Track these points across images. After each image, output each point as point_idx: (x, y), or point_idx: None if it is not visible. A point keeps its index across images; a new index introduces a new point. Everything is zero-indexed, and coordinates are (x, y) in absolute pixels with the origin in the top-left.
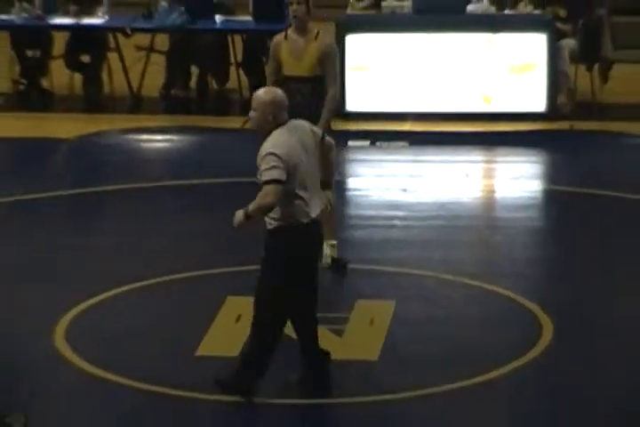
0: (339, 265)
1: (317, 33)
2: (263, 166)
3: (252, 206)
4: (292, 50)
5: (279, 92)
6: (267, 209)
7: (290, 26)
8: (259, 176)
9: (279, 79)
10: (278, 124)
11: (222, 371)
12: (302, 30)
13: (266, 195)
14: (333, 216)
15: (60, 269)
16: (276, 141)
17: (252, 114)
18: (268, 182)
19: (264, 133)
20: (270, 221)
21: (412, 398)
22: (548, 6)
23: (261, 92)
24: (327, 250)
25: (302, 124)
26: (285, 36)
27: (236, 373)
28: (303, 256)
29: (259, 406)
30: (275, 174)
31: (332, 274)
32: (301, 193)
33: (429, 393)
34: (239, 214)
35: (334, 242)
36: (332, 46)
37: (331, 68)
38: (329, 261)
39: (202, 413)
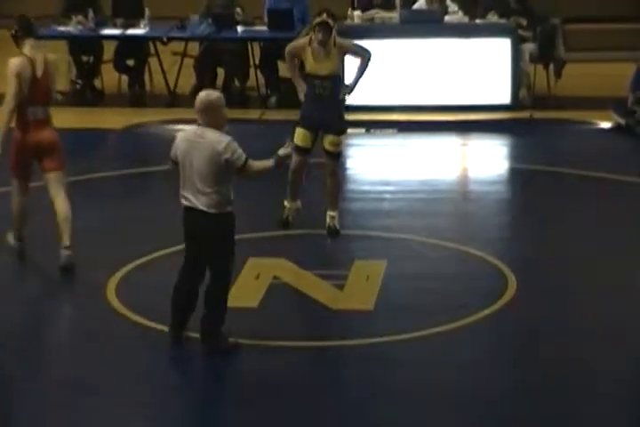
0: (332, 232)
1: (334, 40)
2: None
3: None
4: (315, 55)
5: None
6: None
7: (309, 33)
8: None
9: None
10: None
11: None
12: (324, 45)
13: None
14: (335, 193)
15: (112, 234)
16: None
17: None
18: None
19: None
20: None
21: (402, 340)
22: (512, 16)
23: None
24: (327, 219)
25: (209, 140)
26: (309, 43)
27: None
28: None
29: (271, 348)
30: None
31: (329, 239)
32: (181, 182)
33: (416, 336)
34: None
35: (334, 214)
36: (346, 42)
37: (356, 50)
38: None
39: (225, 353)
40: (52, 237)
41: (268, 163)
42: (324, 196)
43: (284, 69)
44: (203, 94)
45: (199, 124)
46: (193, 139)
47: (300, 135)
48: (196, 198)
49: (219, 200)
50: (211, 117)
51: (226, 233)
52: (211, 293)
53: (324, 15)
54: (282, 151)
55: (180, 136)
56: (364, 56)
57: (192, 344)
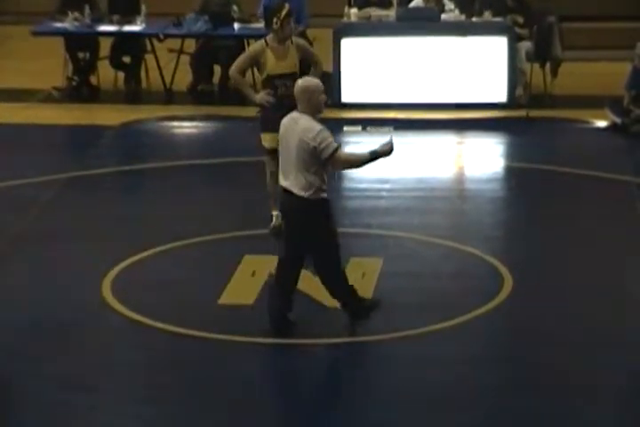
0: None
1: (291, 38)
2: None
3: None
4: (276, 55)
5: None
6: None
7: (271, 34)
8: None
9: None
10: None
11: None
12: (283, 41)
13: None
14: None
15: (107, 232)
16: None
17: None
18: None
19: None
20: None
21: (398, 338)
22: (509, 15)
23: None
24: None
25: (301, 126)
26: (266, 44)
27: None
28: None
29: (266, 346)
30: None
31: None
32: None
33: (413, 334)
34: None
35: None
36: (304, 42)
37: (311, 55)
38: None
39: (220, 351)
40: (47, 233)
41: (364, 154)
42: None
43: None
44: (300, 81)
45: (298, 111)
46: (290, 124)
47: (266, 138)
48: (287, 180)
49: (305, 184)
50: (306, 104)
51: (314, 218)
52: (323, 279)
53: (287, 6)
54: (380, 147)
55: (283, 120)
56: (320, 67)
57: (188, 343)
